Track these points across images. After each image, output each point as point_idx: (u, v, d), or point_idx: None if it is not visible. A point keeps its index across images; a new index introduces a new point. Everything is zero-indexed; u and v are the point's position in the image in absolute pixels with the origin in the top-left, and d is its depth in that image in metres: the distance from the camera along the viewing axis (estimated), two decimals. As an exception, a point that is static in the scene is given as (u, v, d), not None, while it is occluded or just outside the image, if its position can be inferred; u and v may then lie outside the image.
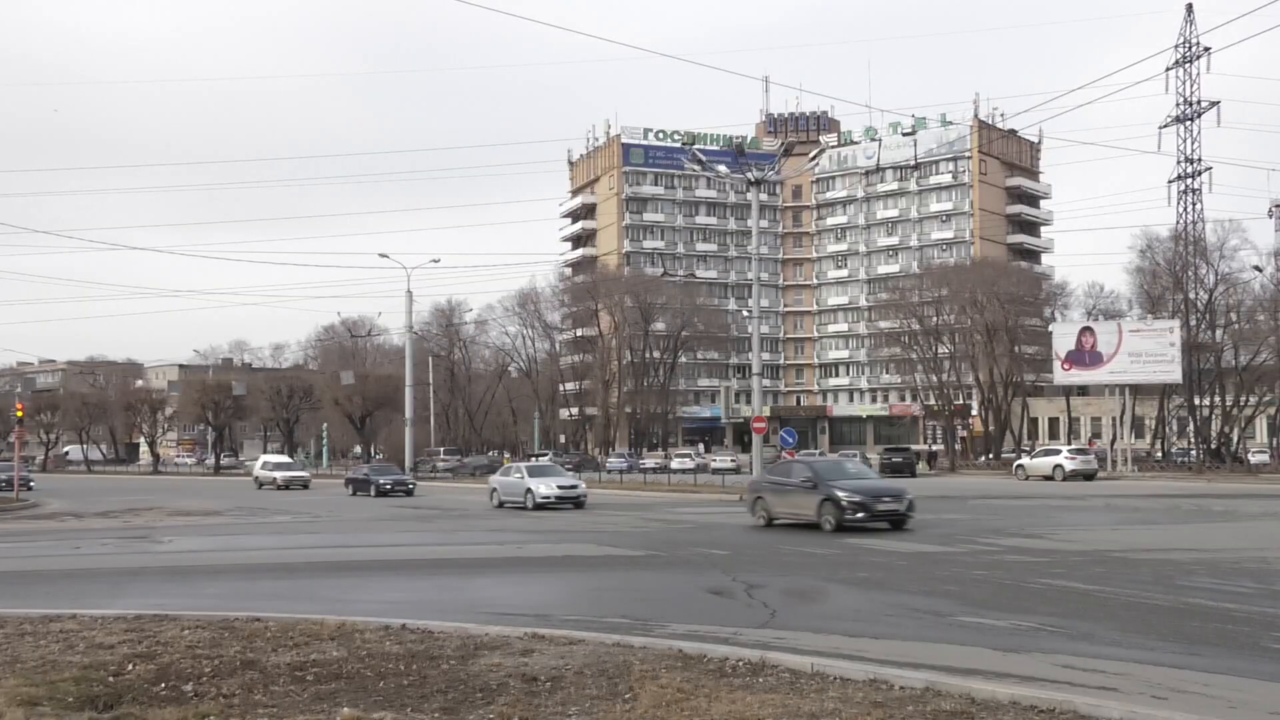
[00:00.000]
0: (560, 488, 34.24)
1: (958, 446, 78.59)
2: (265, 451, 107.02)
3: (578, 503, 33.94)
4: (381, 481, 45.90)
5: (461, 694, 7.80)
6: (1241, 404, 67.96)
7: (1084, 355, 61.65)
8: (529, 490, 34.18)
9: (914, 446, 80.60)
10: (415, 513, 34.41)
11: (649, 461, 73.65)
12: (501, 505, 35.22)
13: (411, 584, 15.96)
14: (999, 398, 78.84)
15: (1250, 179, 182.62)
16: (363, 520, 30.77)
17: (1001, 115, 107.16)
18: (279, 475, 55.23)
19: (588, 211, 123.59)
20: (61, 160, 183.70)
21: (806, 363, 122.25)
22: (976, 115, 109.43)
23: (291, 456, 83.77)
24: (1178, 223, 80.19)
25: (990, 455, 76.40)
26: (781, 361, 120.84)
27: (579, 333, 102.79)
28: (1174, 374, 61.11)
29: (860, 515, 22.76)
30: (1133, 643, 9.99)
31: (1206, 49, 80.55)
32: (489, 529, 26.39)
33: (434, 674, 8.44)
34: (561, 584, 16.10)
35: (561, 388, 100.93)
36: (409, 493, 45.53)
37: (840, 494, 23.02)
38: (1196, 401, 68.20)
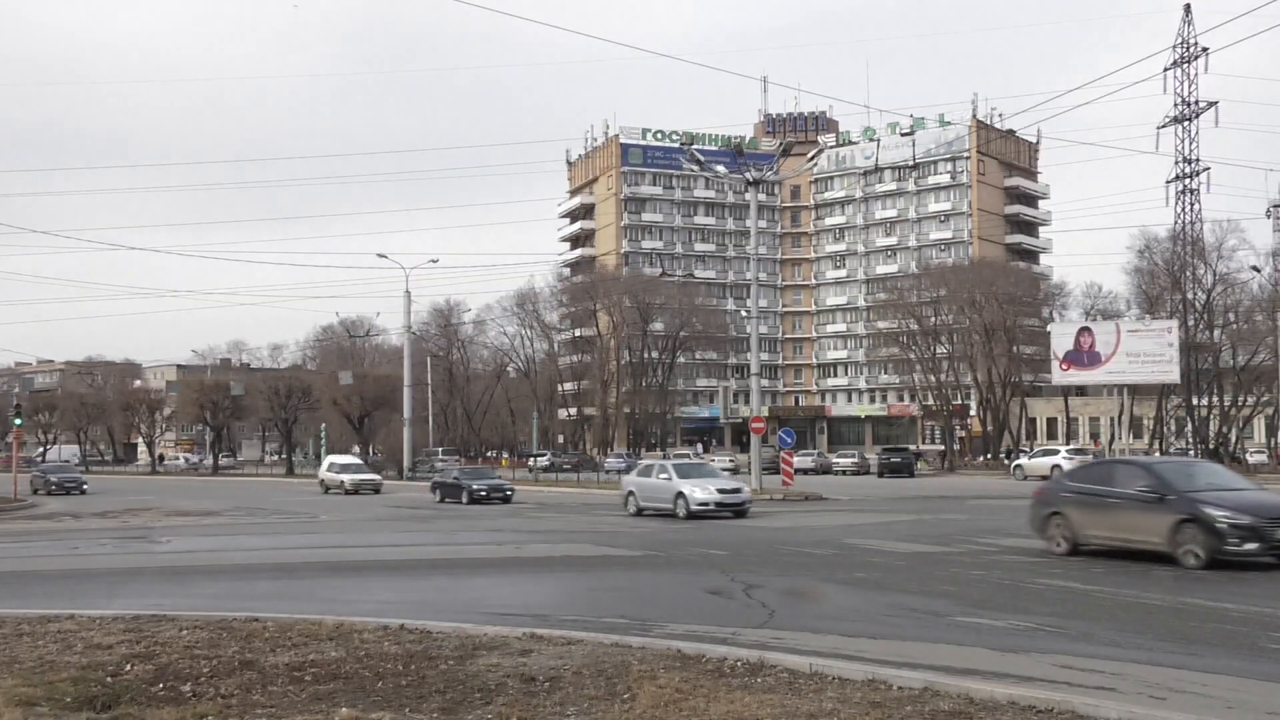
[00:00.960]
0: (721, 492, 28.47)
1: (956, 446, 78.64)
2: (264, 452, 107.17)
3: (740, 510, 28.38)
4: (475, 487, 39.49)
5: (460, 694, 7.80)
6: (1239, 404, 68.09)
7: (1082, 355, 61.63)
8: (680, 495, 28.26)
9: (910, 446, 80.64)
10: (414, 513, 34.35)
11: (647, 461, 73.39)
12: (640, 512, 29.69)
13: (410, 584, 15.96)
14: (997, 398, 78.89)
15: (1248, 179, 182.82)
16: (361, 520, 30.76)
17: (1000, 115, 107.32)
18: (346, 478, 49.06)
19: (586, 212, 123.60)
20: (61, 160, 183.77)
21: (805, 363, 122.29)
22: (975, 115, 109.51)
23: (292, 456, 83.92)
24: (1176, 223, 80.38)
25: (988, 455, 76.44)
26: (780, 362, 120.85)
27: (577, 333, 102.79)
28: (1172, 374, 61.14)
29: (1251, 546, 15.30)
30: (1130, 643, 10.00)
31: (1204, 49, 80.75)
32: (488, 529, 26.38)
33: (432, 674, 8.43)
34: (560, 584, 16.11)
35: (560, 388, 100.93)
36: (506, 499, 39.15)
37: (1216, 513, 15.51)
38: (1194, 402, 68.33)
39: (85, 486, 52.62)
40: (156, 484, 65.90)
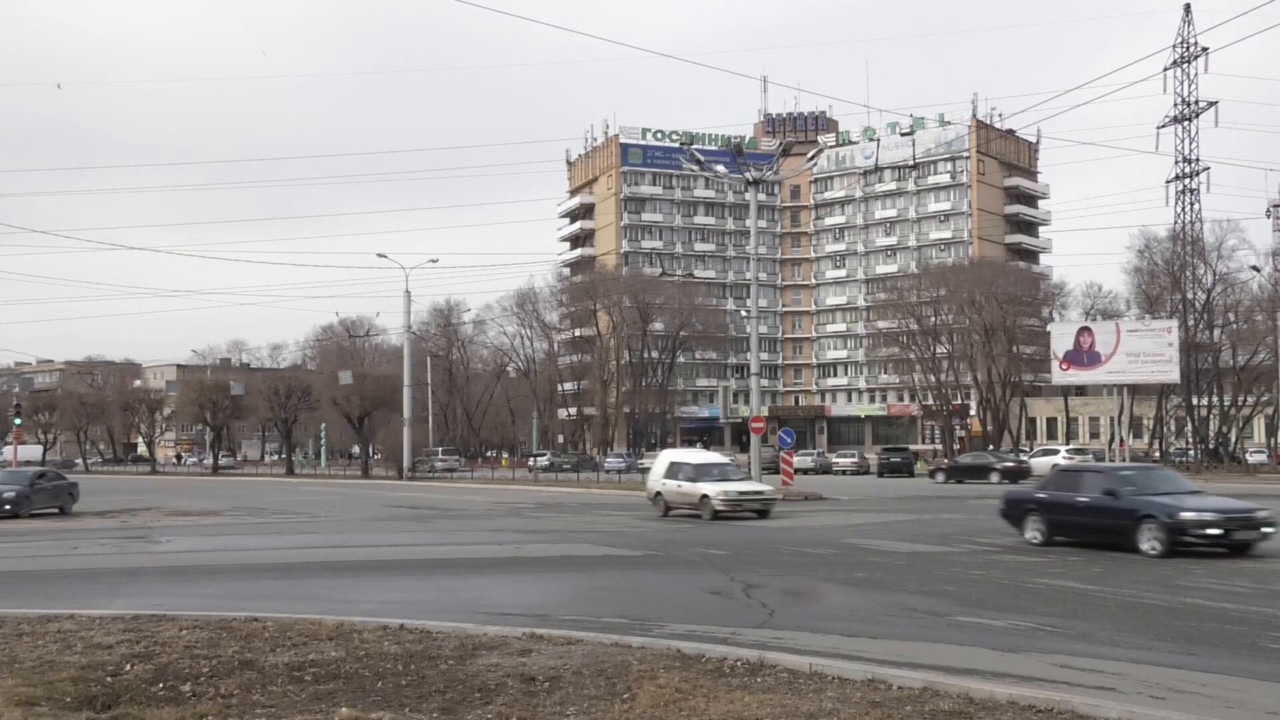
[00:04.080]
0: None
1: (956, 446, 78.59)
2: (264, 453, 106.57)
3: None
4: (1187, 517, 17.35)
5: (460, 694, 7.80)
6: (1239, 404, 68.05)
7: (1082, 355, 61.50)
8: None
9: (911, 446, 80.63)
10: (413, 512, 34.28)
11: (647, 461, 73.51)
12: None
13: (410, 584, 15.95)
14: (997, 398, 78.85)
15: (1248, 179, 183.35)
16: (362, 520, 30.73)
17: (999, 115, 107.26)
18: (712, 491, 27.42)
19: (586, 211, 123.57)
20: (61, 160, 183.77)
21: (805, 363, 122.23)
22: (975, 115, 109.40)
23: (291, 456, 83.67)
24: (1176, 223, 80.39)
25: (988, 455, 76.34)
26: (780, 361, 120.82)
27: (577, 333, 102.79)
28: (1172, 374, 61.04)
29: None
30: (1130, 642, 10.00)
31: (1204, 49, 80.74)
32: (488, 529, 26.37)
33: (432, 674, 8.43)
34: (560, 584, 16.10)
35: (560, 388, 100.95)
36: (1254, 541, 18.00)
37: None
38: (1194, 401, 68.27)
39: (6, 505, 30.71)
40: (156, 484, 65.89)
